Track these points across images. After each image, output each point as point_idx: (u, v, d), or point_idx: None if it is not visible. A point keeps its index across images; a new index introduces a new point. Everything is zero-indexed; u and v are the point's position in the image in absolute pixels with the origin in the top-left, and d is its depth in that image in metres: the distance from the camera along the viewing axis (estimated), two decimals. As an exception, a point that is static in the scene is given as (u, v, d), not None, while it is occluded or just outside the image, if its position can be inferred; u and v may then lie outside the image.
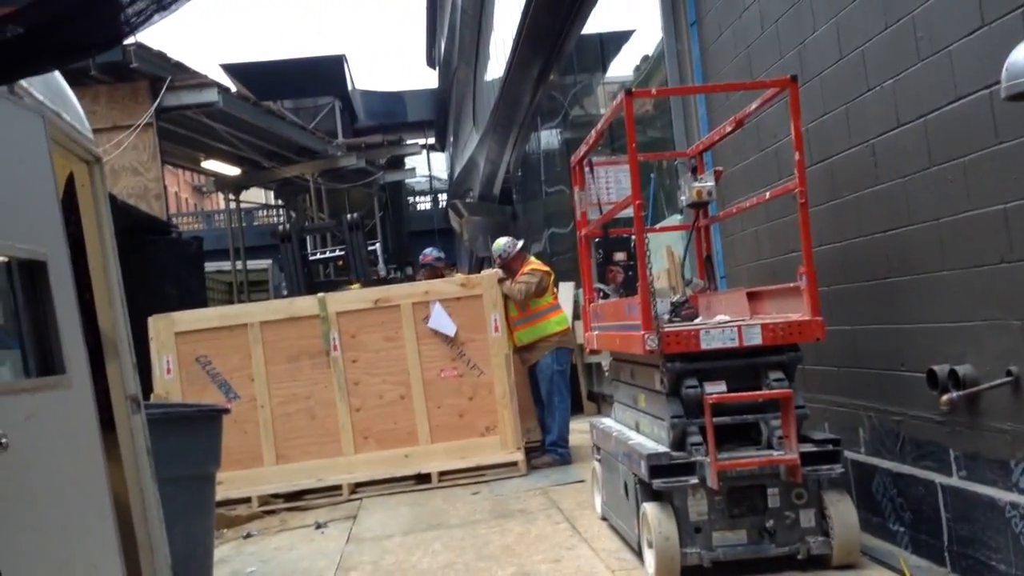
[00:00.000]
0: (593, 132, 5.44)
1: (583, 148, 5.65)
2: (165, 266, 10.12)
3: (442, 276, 8.43)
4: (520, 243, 7.78)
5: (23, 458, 2.44)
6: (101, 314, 3.50)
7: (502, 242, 7.75)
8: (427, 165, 30.35)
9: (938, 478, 3.98)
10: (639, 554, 4.32)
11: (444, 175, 30.20)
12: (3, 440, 2.29)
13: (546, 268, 7.60)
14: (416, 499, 6.70)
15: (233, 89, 14.87)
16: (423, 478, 7.13)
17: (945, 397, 3.67)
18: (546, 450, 7.43)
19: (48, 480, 2.65)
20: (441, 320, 7.38)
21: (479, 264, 10.74)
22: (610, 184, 6.50)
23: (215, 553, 4.91)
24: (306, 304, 7.63)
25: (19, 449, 2.40)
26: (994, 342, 3.58)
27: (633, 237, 5.40)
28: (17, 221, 2.73)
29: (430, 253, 9.20)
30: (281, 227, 12.67)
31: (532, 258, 7.84)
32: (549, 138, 15.83)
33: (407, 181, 26.54)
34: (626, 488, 4.58)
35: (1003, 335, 3.52)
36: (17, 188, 2.78)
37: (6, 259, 2.70)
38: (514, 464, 7.14)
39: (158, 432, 3.65)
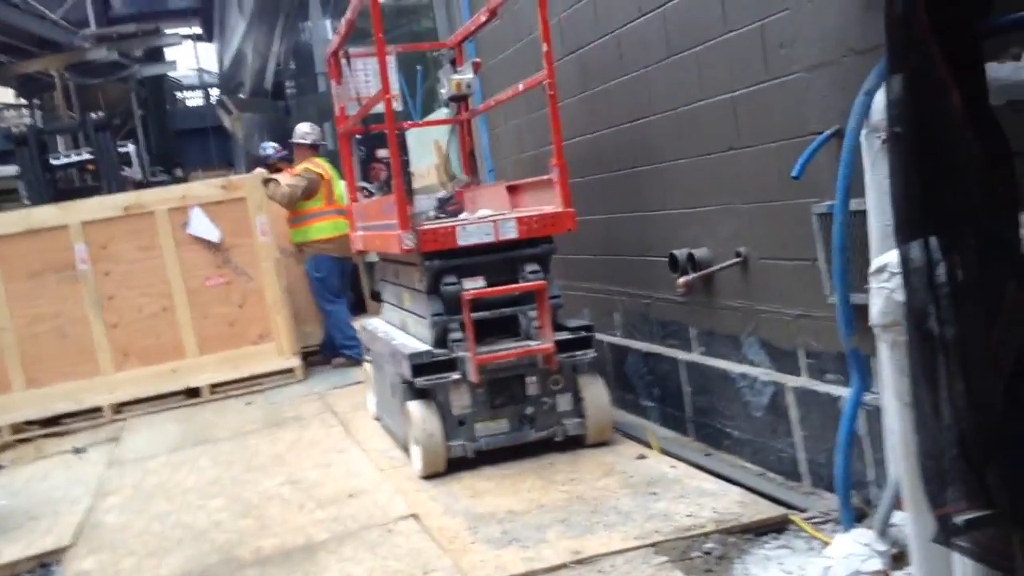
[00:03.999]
0: (344, 21, 5.17)
1: (336, 39, 5.38)
2: None
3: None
4: (305, 141, 7.26)
5: None
6: None
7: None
8: (195, 58, 28.22)
9: (680, 355, 4.25)
10: (408, 451, 4.35)
11: (214, 68, 28.25)
12: None
13: (319, 171, 7.14)
14: (185, 415, 6.43)
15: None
16: (193, 392, 6.83)
17: (680, 280, 3.87)
18: (338, 353, 7.28)
19: None
20: (202, 225, 6.97)
21: (252, 163, 10.13)
22: (370, 77, 6.25)
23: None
24: (46, 215, 6.96)
25: None
26: (724, 226, 3.78)
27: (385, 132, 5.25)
28: None
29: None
30: (16, 129, 11.36)
31: (318, 159, 7.29)
32: (323, 29, 15.10)
33: (173, 75, 24.60)
34: (393, 388, 4.57)
35: (732, 218, 3.73)
36: None
37: None
38: (290, 371, 6.99)
39: None
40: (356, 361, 6.94)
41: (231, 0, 18.71)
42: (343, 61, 5.54)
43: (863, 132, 2.51)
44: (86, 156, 11.09)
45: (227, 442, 5.40)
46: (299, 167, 7.15)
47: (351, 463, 4.56)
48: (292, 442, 5.17)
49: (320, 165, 7.19)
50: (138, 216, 6.92)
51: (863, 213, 2.61)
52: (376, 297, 10.09)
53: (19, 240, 6.74)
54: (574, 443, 4.18)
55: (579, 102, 4.86)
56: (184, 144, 20.87)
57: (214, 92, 25.79)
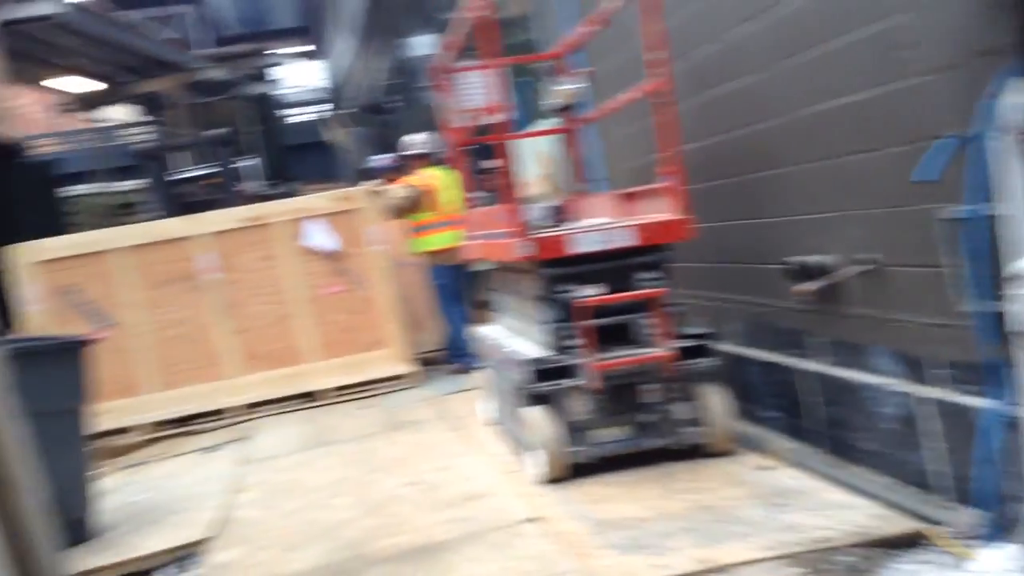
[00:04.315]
0: (453, 35, 5.30)
1: (445, 53, 5.51)
2: (17, 192, 9.45)
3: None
4: (413, 152, 7.42)
5: None
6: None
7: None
8: (301, 75, 29.17)
9: (803, 364, 4.18)
10: (525, 456, 4.41)
11: (319, 84, 29.18)
12: None
13: (425, 183, 7.20)
14: (306, 417, 6.66)
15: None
16: (312, 396, 7.08)
17: (802, 287, 3.82)
18: (455, 359, 7.40)
19: None
20: (318, 236, 7.22)
21: (360, 176, 10.44)
22: (479, 89, 6.36)
23: (101, 485, 4.79)
24: (174, 226, 7.35)
25: None
26: (846, 232, 3.72)
27: (496, 143, 5.35)
28: None
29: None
30: (143, 146, 11.97)
31: (429, 170, 7.29)
32: (426, 43, 15.38)
33: (282, 92, 25.51)
34: (510, 394, 4.64)
35: (854, 225, 3.66)
36: None
37: None
38: (404, 376, 7.16)
39: (14, 367, 3.47)
40: (470, 368, 7.03)
41: (340, 19, 19.31)
42: (451, 75, 5.67)
43: (993, 135, 2.45)
44: (208, 171, 11.60)
45: (348, 444, 5.58)
46: (407, 179, 7.29)
47: (469, 467, 4.66)
48: (410, 445, 5.30)
49: (429, 175, 7.25)
50: (259, 227, 7.24)
51: (991, 218, 2.55)
52: (483, 305, 10.23)
53: (153, 250, 7.13)
54: (693, 452, 4.15)
55: (689, 108, 4.84)
56: (290, 159, 21.59)
57: (320, 108, 26.64)
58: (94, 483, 4.63)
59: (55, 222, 9.87)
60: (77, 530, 4.34)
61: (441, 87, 5.68)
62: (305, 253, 7.25)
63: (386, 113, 18.46)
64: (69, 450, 4.35)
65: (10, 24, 10.40)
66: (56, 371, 4.32)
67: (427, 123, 14.90)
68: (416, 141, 7.44)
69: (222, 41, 24.13)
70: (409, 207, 7.11)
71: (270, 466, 5.33)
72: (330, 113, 19.61)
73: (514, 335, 4.98)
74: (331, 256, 7.24)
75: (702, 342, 4.18)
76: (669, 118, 4.27)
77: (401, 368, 7.19)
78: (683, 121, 4.76)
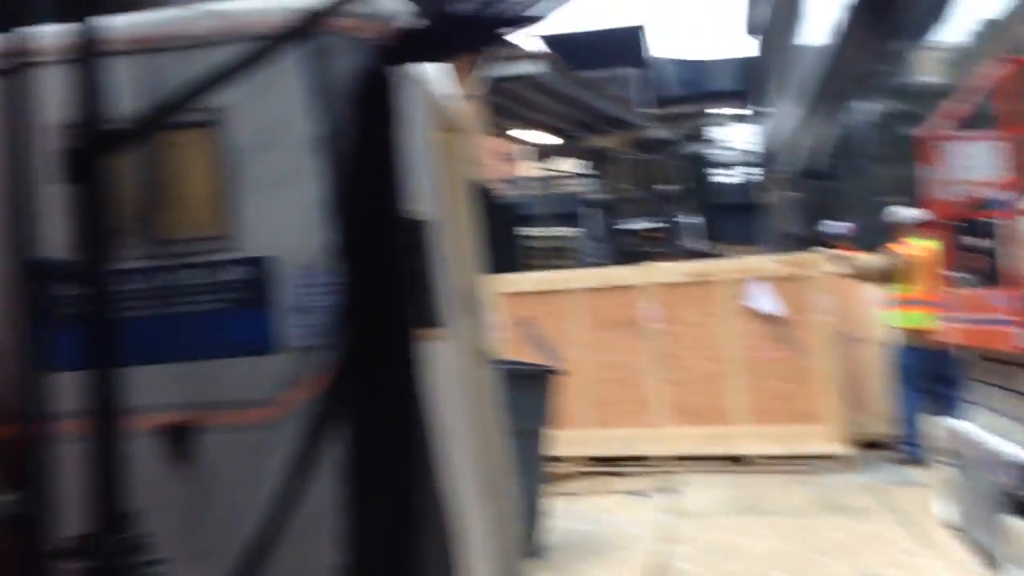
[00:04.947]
0: (954, 103, 4.93)
1: (938, 121, 5.15)
2: (486, 230, 10.61)
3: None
4: (895, 220, 7.00)
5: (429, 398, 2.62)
6: (463, 273, 3.70)
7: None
8: (734, 137, 29.50)
9: None
10: (999, 571, 3.90)
11: (752, 147, 29.26)
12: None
13: (907, 254, 6.65)
14: (731, 480, 6.56)
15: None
16: (736, 459, 6.96)
17: None
18: (903, 448, 6.77)
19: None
20: (762, 299, 7.13)
21: (788, 242, 10.20)
22: (964, 162, 5.86)
23: (547, 507, 5.11)
24: (624, 274, 7.73)
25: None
26: None
27: (997, 221, 4.86)
28: (409, 184, 2.94)
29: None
30: (593, 197, 12.85)
31: (917, 241, 6.66)
32: (872, 110, 14.68)
33: (711, 152, 25.98)
34: (988, 498, 4.14)
35: None
36: (408, 153, 2.98)
37: (409, 219, 2.92)
38: (838, 457, 6.74)
39: (502, 386, 3.83)
40: (921, 459, 6.40)
41: (783, 84, 19.20)
42: (940, 144, 5.28)
43: None
44: (652, 224, 12.12)
45: (782, 517, 5.37)
46: (893, 247, 6.86)
47: (928, 570, 4.24)
48: (853, 532, 4.96)
49: (917, 247, 6.63)
50: (704, 284, 7.34)
51: None
52: (951, 394, 9.21)
53: (600, 294, 7.55)
54: None
55: None
56: (718, 218, 21.82)
57: (750, 170, 26.68)
58: (545, 504, 4.94)
59: (515, 260, 10.92)
60: (529, 545, 4.65)
61: (930, 156, 5.33)
62: (746, 314, 7.20)
63: (825, 179, 17.90)
64: (532, 469, 4.69)
65: (499, 81, 11.79)
66: (532, 394, 4.71)
67: (870, 192, 14.17)
68: (905, 210, 6.99)
69: (662, 102, 25.27)
70: (887, 277, 6.70)
71: (702, 523, 5.31)
72: (762, 176, 19.49)
73: (996, 433, 4.44)
74: (773, 320, 7.10)
75: None
76: None
77: (836, 447, 6.79)
78: None
